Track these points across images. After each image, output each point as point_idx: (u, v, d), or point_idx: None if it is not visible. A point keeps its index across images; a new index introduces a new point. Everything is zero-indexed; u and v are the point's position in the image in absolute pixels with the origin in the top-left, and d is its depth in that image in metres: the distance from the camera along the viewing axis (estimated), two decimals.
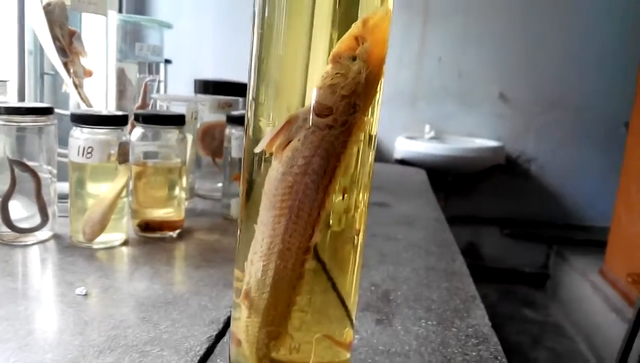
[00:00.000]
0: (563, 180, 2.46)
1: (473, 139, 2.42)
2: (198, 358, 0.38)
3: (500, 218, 2.49)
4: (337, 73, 0.28)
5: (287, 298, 0.31)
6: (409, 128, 2.43)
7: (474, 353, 0.43)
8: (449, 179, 2.29)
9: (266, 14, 0.30)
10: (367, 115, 0.29)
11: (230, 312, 0.46)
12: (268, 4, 0.29)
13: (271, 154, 0.30)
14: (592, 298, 1.98)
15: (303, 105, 0.29)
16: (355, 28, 0.28)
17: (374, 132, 0.31)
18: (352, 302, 0.33)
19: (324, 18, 0.28)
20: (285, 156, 0.29)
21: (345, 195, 0.31)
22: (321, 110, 0.28)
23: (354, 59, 0.27)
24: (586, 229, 2.44)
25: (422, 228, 0.80)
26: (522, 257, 2.48)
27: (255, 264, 0.30)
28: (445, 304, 0.52)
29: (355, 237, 0.32)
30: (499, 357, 0.42)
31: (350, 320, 0.33)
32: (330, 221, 0.31)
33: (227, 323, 0.44)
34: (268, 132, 0.30)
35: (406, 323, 0.47)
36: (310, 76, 0.29)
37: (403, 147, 2.32)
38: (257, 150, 0.30)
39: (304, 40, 0.29)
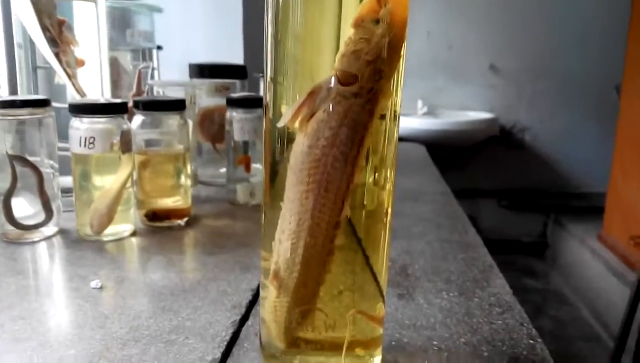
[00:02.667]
0: (558, 148, 2.47)
1: (466, 112, 2.41)
2: (225, 343, 0.38)
3: (497, 190, 2.50)
4: (360, 38, 0.26)
5: (317, 275, 0.30)
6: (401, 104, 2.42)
7: (499, 322, 0.42)
8: (445, 154, 2.28)
9: None
10: (392, 84, 0.28)
11: (252, 295, 0.46)
12: None
13: (294, 132, 0.29)
14: (592, 264, 2.00)
15: None
16: None
17: (398, 109, 0.30)
18: (383, 278, 0.33)
19: None
20: (310, 128, 0.28)
21: (376, 174, 0.30)
22: (346, 78, 0.27)
23: (377, 22, 0.26)
24: (583, 196, 2.46)
25: (428, 202, 0.79)
26: (521, 227, 2.50)
27: (284, 243, 0.30)
28: (464, 275, 0.51)
29: (385, 214, 0.32)
30: (525, 324, 0.42)
31: (382, 296, 0.33)
32: (365, 200, 0.30)
33: (249, 307, 0.44)
34: (289, 108, 0.29)
35: (428, 296, 0.47)
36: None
37: None
38: (280, 124, 0.29)
39: (331, 12, 0.28)
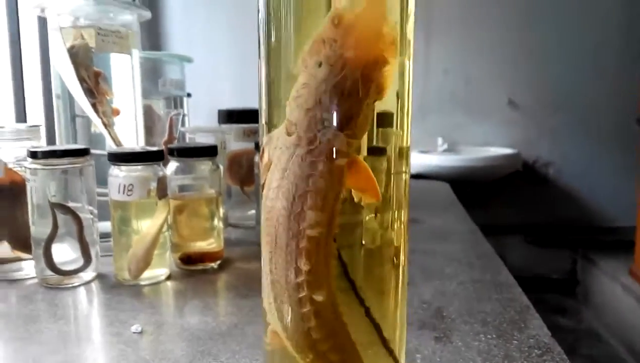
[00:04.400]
0: (582, 182, 2.44)
1: (487, 148, 2.41)
2: None
3: (523, 226, 2.46)
4: (303, 83, 0.24)
5: (307, 331, 0.26)
6: (421, 142, 2.43)
7: None
8: (468, 190, 2.27)
9: (272, 37, 0.27)
10: (356, 130, 0.25)
11: None
12: (273, 25, 0.27)
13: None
14: (624, 300, 1.94)
15: None
16: (322, 27, 0.23)
17: (404, 144, 0.28)
18: (399, 331, 0.30)
19: None
20: (266, 179, 0.26)
21: (378, 213, 0.28)
22: (289, 128, 0.25)
23: (320, 64, 0.23)
24: (611, 230, 2.41)
25: (458, 241, 0.79)
26: (549, 264, 2.44)
27: (265, 303, 0.28)
28: (501, 316, 0.51)
29: (395, 257, 0.29)
30: None
31: (387, 348, 0.29)
32: (363, 239, 0.28)
33: None
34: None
35: (466, 338, 0.46)
36: None
37: (417, 161, 2.32)
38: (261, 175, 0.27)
39: None
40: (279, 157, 0.25)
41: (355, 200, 0.26)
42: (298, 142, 0.24)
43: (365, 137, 0.26)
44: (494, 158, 2.31)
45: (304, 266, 0.25)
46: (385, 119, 0.27)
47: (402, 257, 0.29)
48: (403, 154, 0.28)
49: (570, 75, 2.37)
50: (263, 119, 0.28)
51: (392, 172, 0.28)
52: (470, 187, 2.29)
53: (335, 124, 0.24)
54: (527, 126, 2.43)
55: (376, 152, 0.27)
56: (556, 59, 2.37)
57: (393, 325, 0.30)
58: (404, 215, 0.29)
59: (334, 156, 0.24)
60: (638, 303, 1.83)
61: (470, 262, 0.68)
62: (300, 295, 0.25)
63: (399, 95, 0.28)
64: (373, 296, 0.28)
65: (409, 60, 0.28)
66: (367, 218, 0.28)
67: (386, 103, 0.26)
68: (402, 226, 0.29)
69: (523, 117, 2.43)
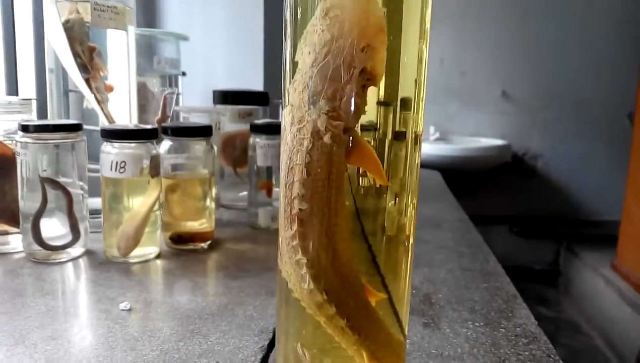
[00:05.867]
0: (570, 176, 2.47)
1: (478, 139, 2.42)
2: None
3: (509, 217, 2.49)
4: (298, 69, 0.26)
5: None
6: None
7: (526, 353, 0.42)
8: (457, 180, 2.29)
9: (298, 18, 0.28)
10: (341, 112, 0.26)
11: None
12: (300, 6, 0.28)
13: None
14: (605, 293, 1.97)
15: None
16: (313, 18, 0.26)
17: (419, 130, 0.30)
18: (405, 310, 0.32)
19: None
20: None
21: (397, 199, 0.30)
22: (289, 109, 0.27)
23: (309, 52, 0.26)
24: (596, 224, 2.44)
25: (448, 230, 0.80)
26: (533, 255, 2.48)
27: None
28: (488, 305, 0.52)
29: (406, 241, 0.31)
30: (552, 355, 0.42)
31: (403, 332, 0.32)
32: (385, 225, 0.30)
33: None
34: None
35: (454, 325, 0.47)
36: None
37: None
38: None
39: None
40: (284, 135, 0.28)
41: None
42: (292, 121, 0.27)
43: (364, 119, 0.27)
44: (484, 148, 2.32)
45: (296, 229, 0.27)
46: (404, 104, 0.29)
47: (411, 241, 0.32)
48: (418, 139, 0.30)
49: (564, 69, 2.38)
50: (288, 100, 0.30)
51: (408, 156, 0.30)
52: (459, 177, 2.31)
53: (320, 105, 0.26)
54: (519, 118, 2.45)
55: (399, 136, 0.29)
56: (552, 53, 2.37)
57: (401, 304, 0.32)
58: (415, 200, 0.31)
59: (320, 135, 0.26)
60: (619, 296, 1.86)
61: (460, 251, 0.69)
62: (297, 258, 0.28)
63: (417, 82, 0.30)
64: (390, 280, 0.31)
65: (426, 48, 0.30)
66: (389, 204, 0.30)
67: (405, 89, 0.29)
68: (414, 211, 0.31)
69: (515, 109, 2.44)
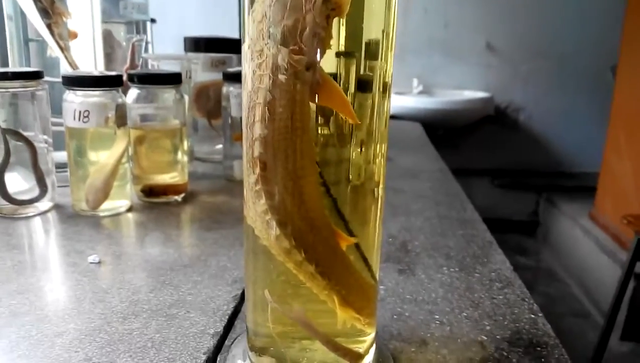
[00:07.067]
0: (551, 129, 2.47)
1: (462, 91, 2.40)
2: (227, 317, 0.37)
3: (491, 169, 2.51)
4: None
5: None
6: (397, 83, 2.40)
7: (500, 297, 0.42)
8: (440, 133, 2.28)
9: None
10: (303, 45, 0.24)
11: None
12: None
13: None
14: (583, 242, 2.02)
15: None
16: None
17: (388, 80, 0.29)
18: (375, 256, 0.32)
19: None
20: None
21: (363, 147, 0.29)
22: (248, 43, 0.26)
23: None
24: (576, 176, 2.47)
25: (426, 180, 0.79)
26: (513, 206, 2.51)
27: None
28: (464, 251, 0.51)
29: (375, 189, 0.30)
30: (526, 299, 0.42)
31: (374, 277, 0.32)
32: (350, 175, 0.29)
33: None
34: None
35: (429, 271, 0.47)
36: None
37: (392, 103, 2.30)
38: None
39: None
40: (244, 72, 0.26)
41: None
42: (252, 56, 0.25)
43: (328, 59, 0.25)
44: (467, 101, 2.31)
45: (258, 173, 0.26)
46: (370, 53, 0.27)
47: (381, 189, 0.31)
48: (387, 89, 0.29)
49: (550, 22, 2.35)
50: (245, 32, 0.28)
51: (376, 106, 0.28)
52: (442, 130, 2.30)
53: (279, 37, 0.24)
54: (502, 71, 2.42)
55: (363, 85, 0.28)
56: (537, 5, 2.33)
57: (371, 250, 0.31)
58: (384, 149, 0.30)
59: (282, 71, 0.24)
60: (596, 245, 1.91)
61: (438, 200, 0.68)
62: (261, 203, 0.26)
63: (384, 31, 0.28)
64: (357, 227, 0.30)
65: None
66: (354, 152, 0.28)
67: (371, 33, 0.27)
68: (382, 160, 0.30)
69: (499, 61, 2.42)
